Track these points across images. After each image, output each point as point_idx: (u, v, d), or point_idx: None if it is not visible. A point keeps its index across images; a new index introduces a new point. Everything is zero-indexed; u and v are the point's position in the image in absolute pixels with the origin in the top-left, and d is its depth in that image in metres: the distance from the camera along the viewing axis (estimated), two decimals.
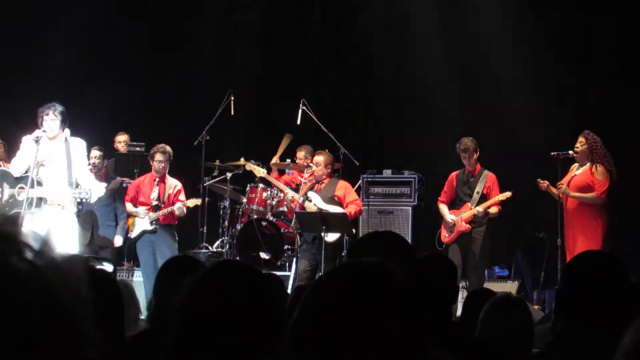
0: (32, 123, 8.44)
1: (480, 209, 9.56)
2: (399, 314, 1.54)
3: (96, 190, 8.45)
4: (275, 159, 11.43)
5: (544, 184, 9.26)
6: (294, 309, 1.60)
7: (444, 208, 9.93)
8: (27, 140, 8.28)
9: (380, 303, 1.54)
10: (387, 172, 11.34)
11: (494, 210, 9.69)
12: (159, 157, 10.07)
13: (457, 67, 12.33)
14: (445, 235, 9.83)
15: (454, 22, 12.41)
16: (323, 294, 1.58)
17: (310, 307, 1.57)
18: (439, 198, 10.03)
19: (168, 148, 10.13)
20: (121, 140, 11.62)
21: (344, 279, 1.59)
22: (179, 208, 9.97)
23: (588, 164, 9.11)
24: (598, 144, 9.06)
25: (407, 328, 1.53)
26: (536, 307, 9.44)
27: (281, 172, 11.39)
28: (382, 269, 1.59)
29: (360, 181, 11.13)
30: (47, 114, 8.22)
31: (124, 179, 10.87)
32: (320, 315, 1.54)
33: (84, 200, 8.39)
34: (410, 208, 11.08)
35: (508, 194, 9.63)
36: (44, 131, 8.17)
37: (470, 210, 9.68)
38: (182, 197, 10.17)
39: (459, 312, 7.17)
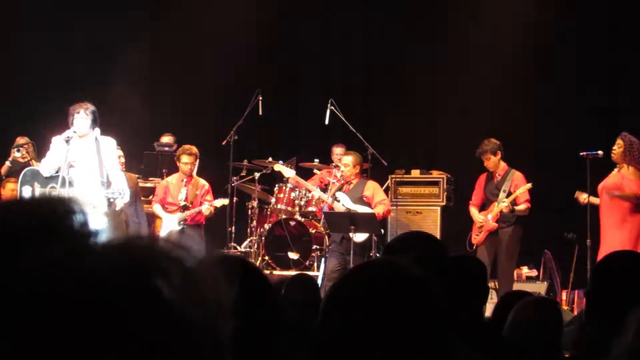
0: (61, 123, 8.47)
1: (504, 203, 9.49)
2: (418, 310, 1.54)
3: (126, 194, 8.46)
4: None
5: (583, 198, 9.15)
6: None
7: (474, 210, 9.88)
8: (57, 141, 8.27)
9: (398, 301, 1.54)
10: (416, 172, 11.30)
11: (521, 207, 9.58)
12: (185, 158, 10.09)
13: (488, 68, 12.23)
14: (475, 236, 9.79)
15: (484, 22, 12.36)
16: (342, 298, 1.58)
17: (330, 311, 1.57)
18: (470, 202, 9.98)
19: (194, 149, 10.14)
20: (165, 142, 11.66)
21: (359, 281, 1.60)
22: (206, 209, 10.00)
23: (622, 167, 9.01)
24: (634, 146, 8.91)
25: (428, 325, 1.53)
26: (565, 307, 9.39)
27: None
28: (398, 267, 1.60)
29: (388, 181, 11.10)
30: (78, 112, 8.23)
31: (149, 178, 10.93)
32: (340, 319, 1.55)
33: (112, 200, 8.37)
34: (438, 208, 11.04)
35: (528, 185, 9.57)
36: (75, 131, 8.18)
37: (496, 207, 9.62)
38: (209, 197, 10.20)
39: (488, 313, 7.14)
